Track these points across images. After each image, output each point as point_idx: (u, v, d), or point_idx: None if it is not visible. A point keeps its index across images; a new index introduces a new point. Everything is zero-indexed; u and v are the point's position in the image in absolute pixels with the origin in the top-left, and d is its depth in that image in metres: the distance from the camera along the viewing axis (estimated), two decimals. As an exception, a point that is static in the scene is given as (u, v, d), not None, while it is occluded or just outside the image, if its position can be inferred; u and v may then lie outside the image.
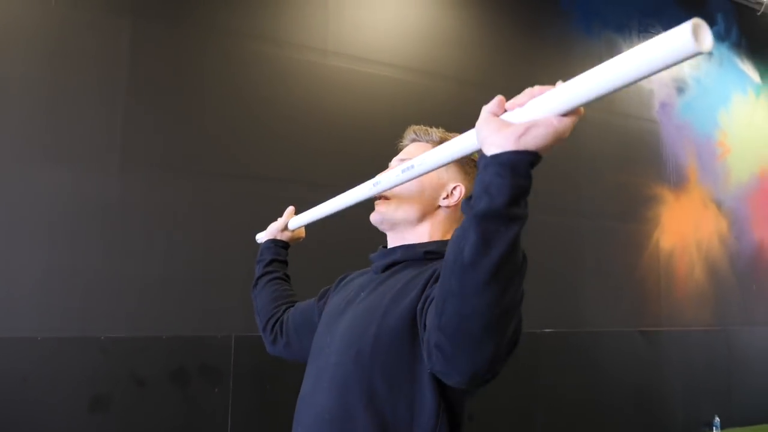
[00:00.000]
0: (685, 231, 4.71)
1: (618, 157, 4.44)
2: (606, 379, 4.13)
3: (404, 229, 1.19)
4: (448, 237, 1.18)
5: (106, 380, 2.70)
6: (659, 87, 4.73)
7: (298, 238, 1.67)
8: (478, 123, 0.76)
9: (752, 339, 4.90)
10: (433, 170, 0.99)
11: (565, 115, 0.68)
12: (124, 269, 2.81)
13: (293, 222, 1.59)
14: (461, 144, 0.88)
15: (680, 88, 4.86)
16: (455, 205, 1.18)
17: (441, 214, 1.19)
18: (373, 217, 1.22)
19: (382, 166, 1.35)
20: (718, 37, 5.17)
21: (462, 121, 3.83)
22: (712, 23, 5.13)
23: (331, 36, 3.44)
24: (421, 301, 0.96)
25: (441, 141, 1.20)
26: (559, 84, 0.69)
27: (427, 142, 1.24)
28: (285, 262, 1.59)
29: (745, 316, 4.90)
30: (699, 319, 4.65)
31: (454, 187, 1.19)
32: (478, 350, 0.73)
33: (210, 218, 3.03)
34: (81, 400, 2.65)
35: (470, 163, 1.21)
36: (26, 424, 2.54)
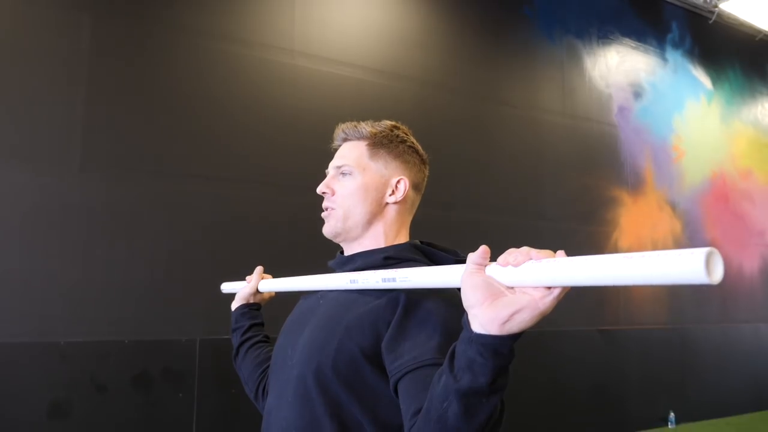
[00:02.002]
0: (641, 232, 4.84)
1: (579, 160, 4.54)
2: (566, 377, 4.21)
3: (358, 234, 1.16)
4: (403, 233, 1.17)
5: (67, 386, 2.63)
6: (617, 91, 4.85)
7: (269, 298, 1.61)
8: (464, 277, 0.75)
9: (705, 337, 5.06)
10: (415, 288, 0.96)
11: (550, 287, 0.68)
12: (85, 272, 2.74)
13: (264, 285, 1.53)
14: (446, 277, 0.86)
15: (637, 93, 4.99)
16: (403, 199, 1.16)
17: (391, 212, 1.16)
18: (326, 231, 1.18)
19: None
20: (673, 45, 5.33)
21: (424, 121, 3.88)
22: (667, 31, 5.30)
23: (298, 36, 3.43)
24: (385, 340, 0.96)
25: (372, 135, 1.17)
26: (560, 254, 0.69)
27: (359, 139, 1.18)
28: (262, 324, 1.54)
29: (698, 315, 5.06)
30: (655, 319, 4.78)
31: (398, 181, 1.16)
32: None
33: (173, 219, 2.98)
34: (40, 406, 2.57)
35: (408, 151, 1.19)
36: (-19, 433, 2.46)
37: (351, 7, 3.67)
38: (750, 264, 5.55)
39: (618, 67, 4.89)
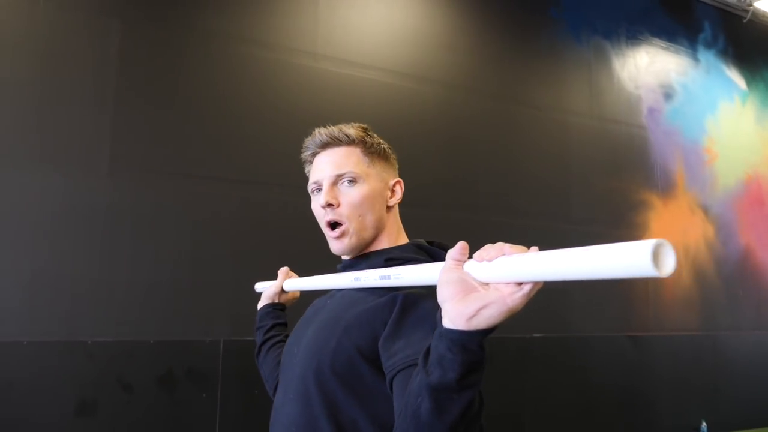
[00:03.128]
0: (672, 236, 4.73)
1: (607, 162, 4.47)
2: (594, 384, 4.14)
3: (370, 241, 1.16)
4: (402, 233, 1.18)
5: (93, 385, 2.68)
6: (647, 92, 4.76)
7: (294, 299, 1.64)
8: (441, 272, 0.76)
9: (738, 344, 4.93)
10: (407, 285, 0.96)
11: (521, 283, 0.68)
12: (111, 273, 2.79)
13: (288, 285, 1.56)
14: (433, 274, 0.86)
15: (668, 94, 4.90)
16: (400, 199, 1.18)
17: (392, 214, 1.18)
18: (339, 250, 1.16)
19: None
20: (705, 45, 5.21)
21: (450, 124, 3.86)
22: (699, 30, 5.19)
23: (321, 39, 3.45)
24: (382, 338, 0.96)
25: (361, 139, 1.14)
26: (532, 250, 0.68)
27: (348, 144, 1.15)
28: (285, 324, 1.56)
29: (731, 322, 4.93)
30: (686, 324, 4.68)
31: (395, 184, 1.18)
32: None
33: (199, 222, 3.02)
34: (67, 404, 2.63)
35: (390, 151, 1.20)
36: (12, 428, 2.51)
37: (375, 9, 3.68)
38: (787, 269, 5.40)
39: (648, 68, 4.80)
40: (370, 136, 1.17)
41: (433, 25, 3.88)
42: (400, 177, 1.21)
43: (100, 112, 2.87)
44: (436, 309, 0.95)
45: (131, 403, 2.74)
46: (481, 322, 0.69)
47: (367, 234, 1.14)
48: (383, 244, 1.16)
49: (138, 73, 2.98)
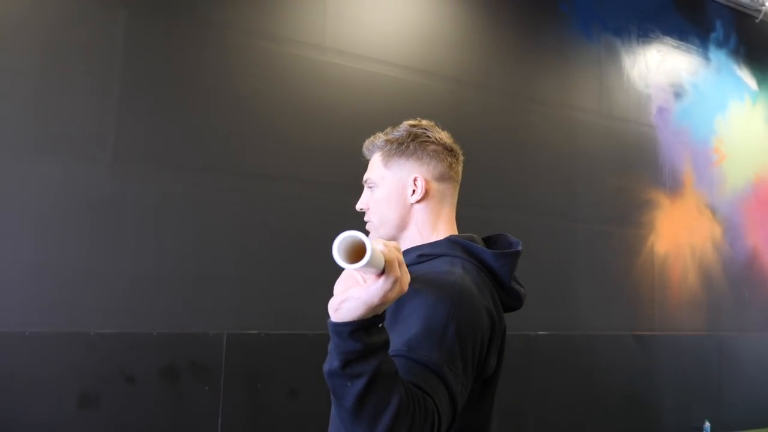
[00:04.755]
0: (679, 236, 4.71)
1: (615, 161, 4.44)
2: (599, 382, 4.12)
3: (397, 239, 1.19)
4: (440, 227, 1.18)
5: (96, 376, 2.67)
6: (656, 91, 4.72)
7: None
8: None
9: (744, 345, 4.90)
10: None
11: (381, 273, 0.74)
12: (114, 264, 2.78)
13: None
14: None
15: (678, 94, 4.86)
16: (426, 195, 1.17)
17: (419, 211, 1.18)
18: None
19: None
20: (717, 44, 5.17)
21: (458, 120, 3.84)
22: (711, 29, 5.14)
23: (329, 32, 3.42)
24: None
25: (384, 144, 1.20)
26: (391, 244, 0.77)
27: (375, 152, 1.23)
28: None
29: (737, 323, 4.91)
30: (692, 325, 4.65)
31: (415, 180, 1.17)
32: None
33: (203, 214, 3.00)
34: (70, 396, 2.62)
35: (421, 147, 1.18)
36: (14, 420, 2.51)
37: (383, 3, 3.64)
38: (794, 271, 5.36)
39: (658, 66, 4.75)
40: (397, 138, 1.20)
41: (441, 20, 3.85)
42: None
43: (104, 102, 2.85)
44: (429, 300, 0.97)
45: (134, 396, 2.73)
46: (344, 314, 0.75)
47: (386, 230, 1.19)
48: (415, 240, 1.18)
49: (143, 64, 2.95)
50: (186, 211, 2.97)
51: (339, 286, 0.79)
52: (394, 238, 1.19)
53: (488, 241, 1.24)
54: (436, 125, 1.23)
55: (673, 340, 4.52)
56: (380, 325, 0.79)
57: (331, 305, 0.77)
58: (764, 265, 5.18)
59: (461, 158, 1.24)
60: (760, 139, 5.36)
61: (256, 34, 3.22)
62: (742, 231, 5.09)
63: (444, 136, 1.21)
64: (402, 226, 1.18)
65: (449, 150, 1.21)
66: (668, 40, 4.84)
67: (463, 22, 3.93)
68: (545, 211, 4.03)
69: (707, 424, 4.48)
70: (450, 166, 1.20)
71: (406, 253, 1.16)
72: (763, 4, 5.22)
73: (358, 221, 1.25)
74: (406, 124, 1.22)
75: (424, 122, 1.22)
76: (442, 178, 1.19)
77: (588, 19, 4.43)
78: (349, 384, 0.77)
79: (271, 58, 3.25)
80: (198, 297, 2.93)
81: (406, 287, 0.77)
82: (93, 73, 2.85)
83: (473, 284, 1.03)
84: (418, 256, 1.12)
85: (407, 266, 1.10)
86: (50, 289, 2.65)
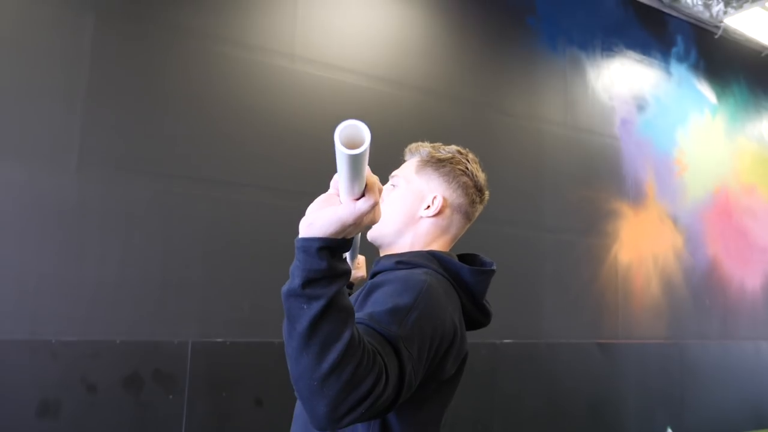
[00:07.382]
0: (642, 245, 4.81)
1: (580, 171, 4.52)
2: (563, 390, 4.18)
3: (390, 242, 1.22)
4: (433, 246, 1.21)
5: (56, 385, 2.62)
6: (620, 104, 4.83)
7: (358, 279, 1.74)
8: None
9: (705, 353, 5.02)
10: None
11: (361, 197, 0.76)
12: (77, 271, 2.74)
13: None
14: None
15: (640, 106, 4.97)
16: (436, 215, 1.20)
17: (424, 225, 1.21)
18: (369, 236, 1.25)
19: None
20: (678, 58, 5.31)
21: (425, 129, 3.87)
22: (672, 44, 5.28)
23: (299, 41, 3.43)
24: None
25: (427, 154, 1.24)
26: (375, 181, 0.78)
27: (416, 156, 1.27)
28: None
29: (698, 330, 5.02)
30: (654, 333, 4.75)
31: (434, 198, 1.21)
32: (312, 407, 0.79)
33: (168, 221, 2.98)
34: (29, 405, 2.56)
35: (456, 173, 1.22)
36: (-31, 430, 2.45)
37: (353, 13, 3.67)
38: (752, 281, 5.51)
39: (621, 79, 4.87)
40: (440, 155, 1.24)
41: (411, 31, 3.89)
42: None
43: (70, 107, 2.82)
44: (398, 284, 1.02)
45: (95, 405, 2.69)
46: (315, 230, 0.76)
47: (383, 229, 1.22)
48: (405, 248, 1.21)
49: (111, 69, 2.93)
50: (151, 217, 2.94)
51: (313, 206, 0.80)
52: (387, 240, 1.23)
53: (462, 260, 1.25)
54: (479, 163, 1.27)
55: (636, 348, 4.60)
56: (344, 257, 0.80)
57: (303, 222, 0.78)
58: (724, 273, 5.31)
59: (484, 202, 1.28)
60: (720, 151, 5.52)
61: (225, 42, 3.22)
62: (702, 240, 5.22)
63: (480, 176, 1.26)
64: (401, 231, 1.21)
65: (478, 189, 1.25)
66: (631, 54, 4.96)
67: (433, 33, 3.98)
68: (511, 221, 4.09)
69: (669, 430, 4.56)
70: (472, 203, 1.25)
71: (386, 257, 1.20)
72: (722, 21, 5.39)
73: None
74: (454, 148, 1.26)
75: (471, 155, 1.26)
76: (459, 209, 1.23)
77: (554, 33, 4.53)
78: (305, 306, 0.76)
79: (241, 65, 3.25)
80: (162, 304, 2.90)
81: (378, 217, 0.78)
82: (59, 78, 2.81)
83: (442, 291, 1.06)
84: (396, 263, 1.14)
85: (384, 270, 1.15)
86: (10, 296, 2.60)
